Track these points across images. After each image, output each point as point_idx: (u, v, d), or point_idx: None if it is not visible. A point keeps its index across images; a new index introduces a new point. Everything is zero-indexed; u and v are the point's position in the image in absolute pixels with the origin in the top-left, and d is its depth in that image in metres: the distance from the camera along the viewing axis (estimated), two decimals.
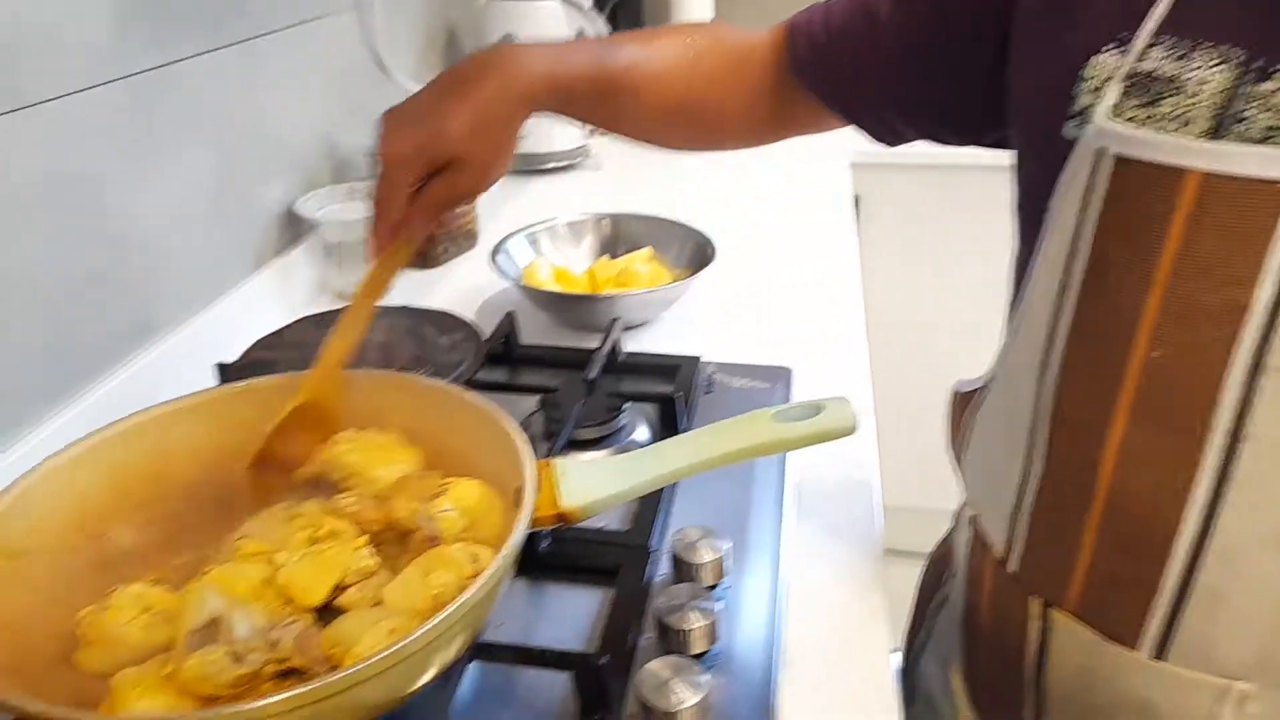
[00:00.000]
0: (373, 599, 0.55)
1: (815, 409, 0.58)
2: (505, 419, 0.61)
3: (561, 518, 0.55)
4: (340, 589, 0.56)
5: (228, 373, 0.85)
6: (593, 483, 0.57)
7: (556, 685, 0.59)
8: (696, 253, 1.09)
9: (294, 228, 1.12)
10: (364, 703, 0.46)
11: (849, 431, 0.57)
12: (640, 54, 0.73)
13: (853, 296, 1.14)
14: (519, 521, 0.52)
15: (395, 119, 0.64)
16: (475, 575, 0.50)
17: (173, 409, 0.63)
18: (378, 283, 0.67)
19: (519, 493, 0.58)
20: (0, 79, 0.70)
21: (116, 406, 0.80)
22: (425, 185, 0.64)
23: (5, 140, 0.71)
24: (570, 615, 0.66)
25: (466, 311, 1.01)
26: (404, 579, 0.54)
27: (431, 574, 0.53)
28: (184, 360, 0.89)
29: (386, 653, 0.43)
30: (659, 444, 0.59)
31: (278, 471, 0.65)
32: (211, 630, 0.51)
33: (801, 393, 0.93)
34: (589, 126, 0.75)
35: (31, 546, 0.55)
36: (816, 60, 0.73)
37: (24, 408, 0.74)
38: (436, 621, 0.45)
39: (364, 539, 0.57)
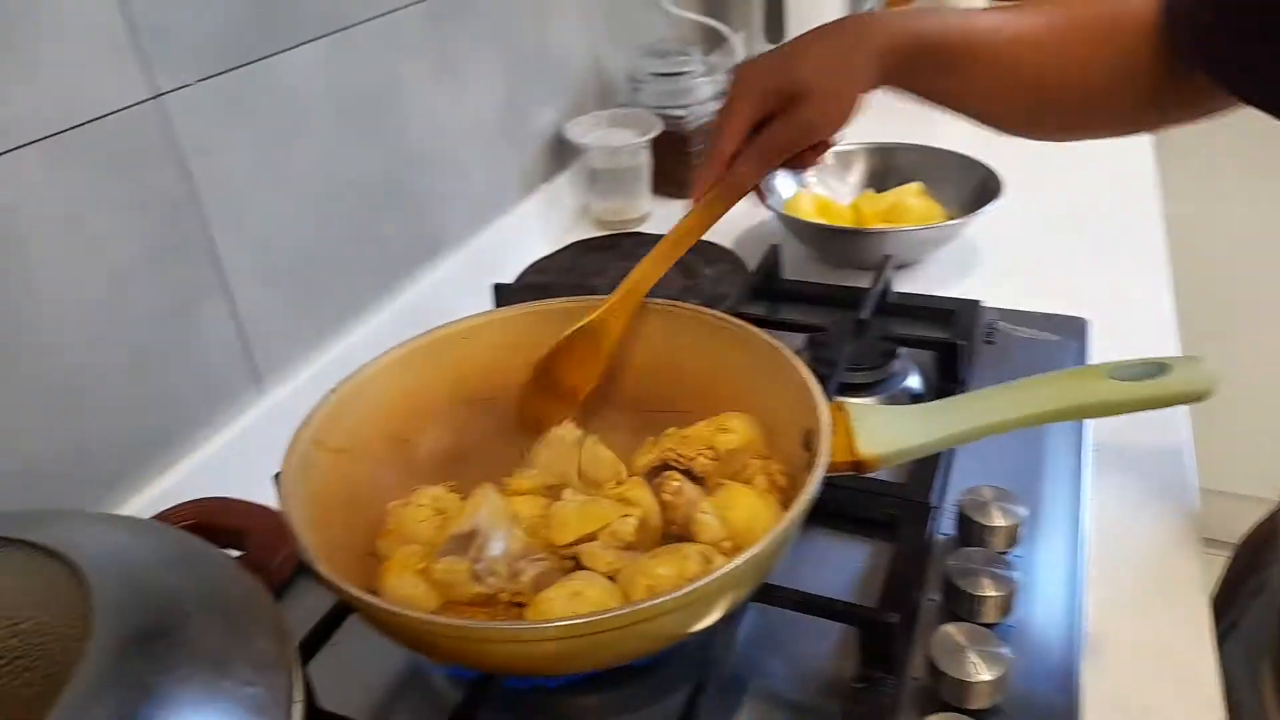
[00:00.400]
0: (608, 566, 0.54)
1: (1159, 367, 0.51)
2: (794, 357, 0.58)
3: (858, 466, 0.52)
4: (588, 539, 0.56)
5: (504, 293, 0.88)
6: (893, 431, 0.53)
7: (829, 637, 0.57)
8: (978, 188, 1.00)
9: (560, 154, 1.13)
10: (651, 634, 0.46)
11: (1204, 395, 0.50)
12: (999, 21, 0.64)
13: (1155, 243, 1.01)
14: (816, 467, 0.49)
15: (750, 62, 0.63)
16: (694, 580, 0.48)
17: (470, 325, 0.65)
18: (695, 223, 0.66)
19: (809, 435, 0.56)
20: (326, 5, 0.74)
21: (408, 320, 0.85)
22: (765, 126, 0.61)
23: (330, 59, 0.76)
24: (837, 565, 0.63)
25: (724, 242, 0.99)
26: (630, 563, 0.52)
27: (653, 562, 0.50)
28: (465, 279, 0.93)
29: (690, 588, 0.43)
30: (968, 394, 0.54)
31: (552, 392, 0.66)
32: (467, 541, 0.52)
33: (1099, 348, 0.83)
34: (934, 106, 0.68)
35: (349, 445, 0.59)
36: (1207, 38, 0.56)
37: (333, 318, 0.80)
38: (737, 564, 0.44)
39: (638, 512, 0.56)
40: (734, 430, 0.60)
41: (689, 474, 0.58)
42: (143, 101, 0.61)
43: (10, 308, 0.55)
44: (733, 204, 0.65)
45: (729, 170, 0.63)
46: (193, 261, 0.66)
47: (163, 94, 0.62)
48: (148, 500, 0.63)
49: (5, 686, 0.26)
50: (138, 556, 0.36)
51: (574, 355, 0.66)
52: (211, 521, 0.43)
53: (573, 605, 0.47)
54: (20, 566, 0.31)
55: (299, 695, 0.32)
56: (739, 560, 0.44)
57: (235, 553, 0.43)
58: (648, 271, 0.65)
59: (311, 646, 0.53)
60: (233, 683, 0.29)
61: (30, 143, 0.55)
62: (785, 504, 0.55)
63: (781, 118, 0.61)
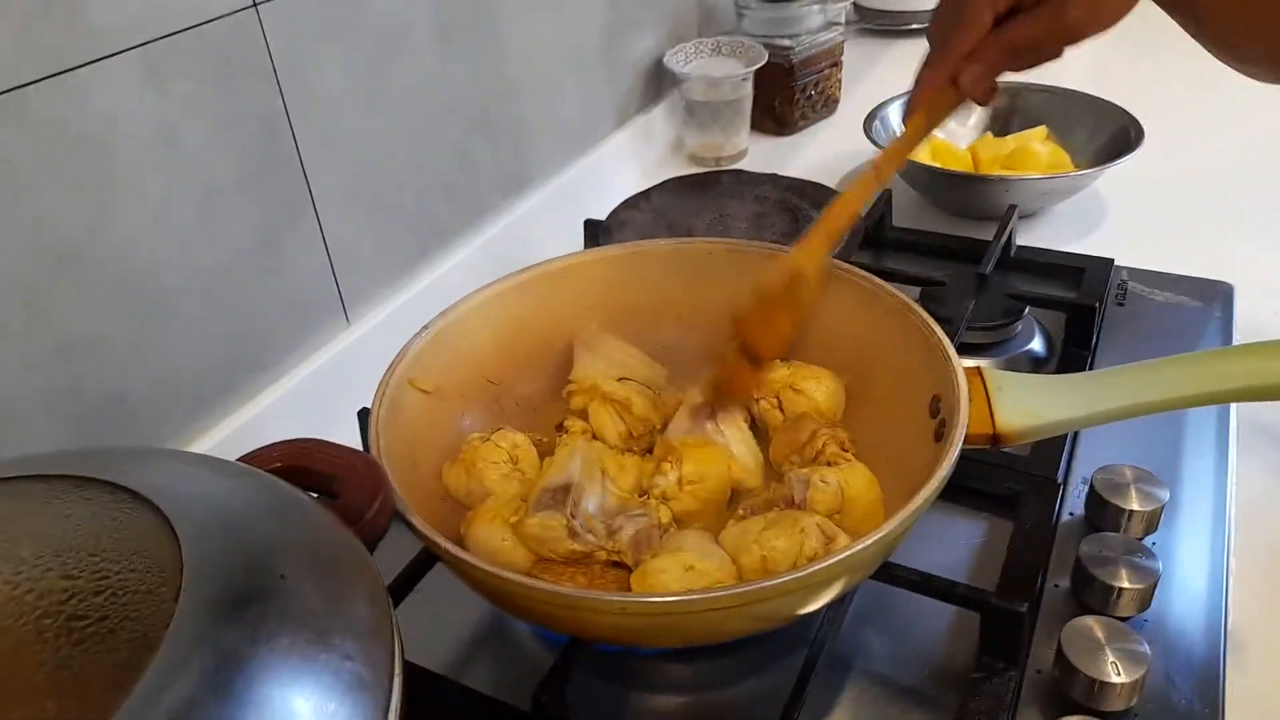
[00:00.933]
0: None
1: None
2: (925, 314, 0.53)
3: (995, 439, 0.47)
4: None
5: (597, 229, 0.84)
6: (1037, 402, 0.48)
7: (943, 618, 0.53)
8: (1115, 136, 0.92)
9: (656, 85, 1.08)
10: (763, 614, 0.42)
11: None
12: None
13: None
14: (952, 440, 0.45)
15: None
16: (812, 559, 0.44)
17: (567, 264, 0.61)
18: (914, 135, 0.56)
19: (937, 401, 0.51)
20: None
21: (496, 257, 0.82)
22: (1010, 19, 0.51)
23: None
24: (951, 541, 0.58)
25: (829, 183, 0.93)
26: (742, 527, 0.49)
27: (769, 532, 0.47)
28: (554, 214, 0.89)
29: (812, 568, 0.39)
30: (1127, 367, 0.49)
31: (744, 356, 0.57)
32: (562, 495, 0.49)
33: (1246, 315, 0.76)
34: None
35: (440, 385, 0.56)
36: None
37: (419, 249, 0.77)
38: (865, 545, 0.40)
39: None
40: (805, 392, 0.55)
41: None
42: (240, 10, 0.57)
43: (101, 219, 0.52)
44: (950, 114, 0.56)
45: (962, 69, 0.52)
46: (283, 183, 0.63)
47: (259, 3, 0.58)
48: (230, 432, 0.61)
49: (91, 651, 0.24)
50: (229, 505, 0.33)
51: (762, 313, 0.55)
52: (303, 465, 0.40)
53: (686, 580, 0.44)
54: (107, 512, 0.29)
55: (399, 668, 0.29)
56: (867, 541, 0.40)
57: (326, 499, 0.41)
58: (852, 201, 0.55)
59: (396, 595, 0.51)
60: (332, 655, 0.27)
61: (129, 49, 0.52)
62: None
63: (1034, 12, 0.50)
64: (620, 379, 0.58)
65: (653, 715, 0.51)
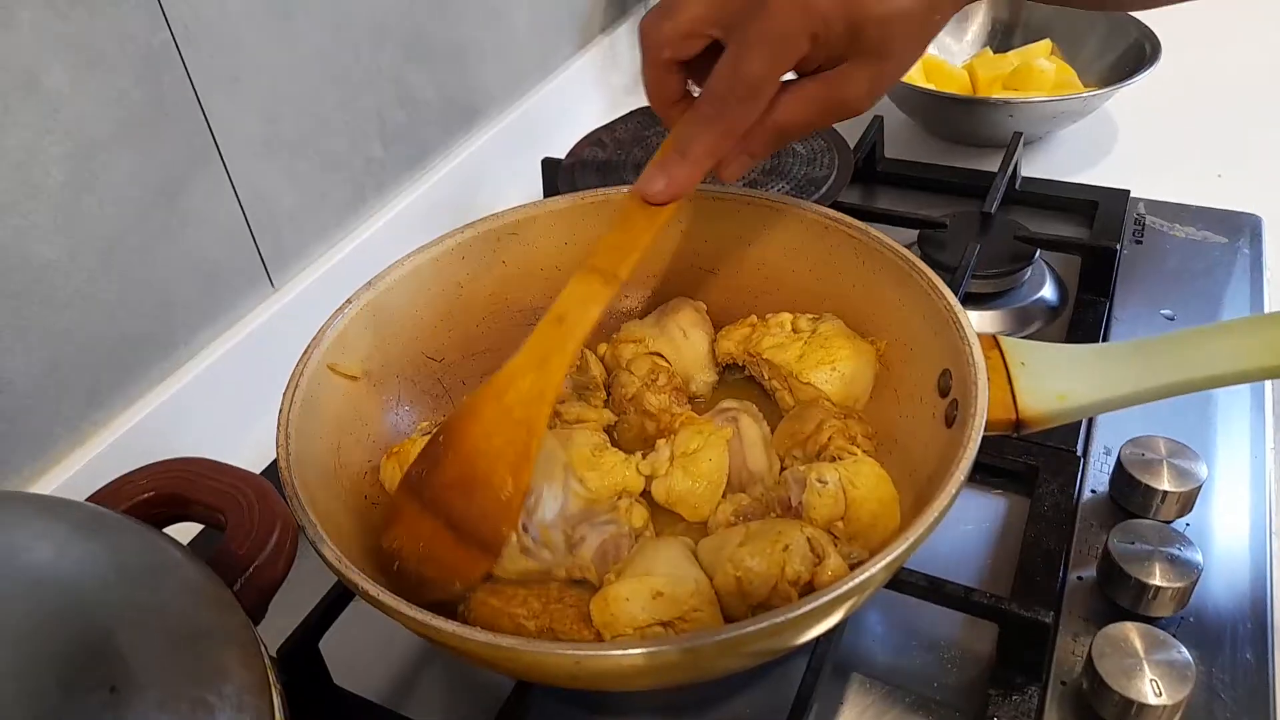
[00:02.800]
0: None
1: None
2: (930, 272, 0.45)
3: (1019, 426, 0.40)
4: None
5: (556, 170, 0.75)
6: (1068, 380, 0.40)
7: (956, 620, 0.46)
8: (1127, 51, 0.83)
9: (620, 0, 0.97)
10: (748, 652, 0.35)
11: None
12: None
13: None
14: (970, 429, 0.37)
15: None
16: (795, 583, 0.37)
17: (516, 219, 0.52)
18: (650, 233, 0.42)
19: (947, 377, 0.43)
20: None
21: (443, 204, 0.73)
22: (778, 99, 0.40)
23: None
24: (960, 524, 0.52)
25: None
26: (720, 538, 0.41)
27: (745, 549, 0.39)
28: (509, 151, 0.80)
29: (806, 608, 0.32)
30: (1169, 336, 0.41)
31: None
32: None
33: (1278, 252, 0.68)
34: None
35: (370, 369, 0.48)
36: None
37: (353, 199, 0.68)
38: (871, 573, 0.33)
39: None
40: (813, 384, 0.47)
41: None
42: None
43: None
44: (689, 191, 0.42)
45: (731, 156, 0.41)
46: (178, 129, 0.54)
47: None
48: (135, 424, 0.53)
49: None
50: (66, 570, 0.26)
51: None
52: (181, 493, 0.33)
53: (652, 609, 0.37)
54: None
55: None
56: (873, 569, 0.33)
57: (214, 532, 0.33)
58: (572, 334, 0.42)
59: (327, 617, 0.44)
60: None
61: None
62: None
63: (806, 90, 0.40)
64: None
65: None
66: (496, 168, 0.79)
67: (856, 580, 0.32)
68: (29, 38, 0.45)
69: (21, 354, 0.48)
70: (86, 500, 0.35)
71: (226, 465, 0.34)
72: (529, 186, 0.80)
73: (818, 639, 0.41)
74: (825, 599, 0.32)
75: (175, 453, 0.38)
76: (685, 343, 0.51)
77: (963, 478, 0.36)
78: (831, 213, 0.50)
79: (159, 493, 0.33)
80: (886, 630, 0.47)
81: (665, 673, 0.34)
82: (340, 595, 0.44)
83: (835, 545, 0.39)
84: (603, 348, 0.54)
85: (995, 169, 0.72)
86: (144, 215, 0.53)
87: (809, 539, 0.38)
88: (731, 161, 0.42)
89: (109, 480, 0.34)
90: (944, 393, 0.44)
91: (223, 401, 0.58)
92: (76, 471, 0.51)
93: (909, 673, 0.45)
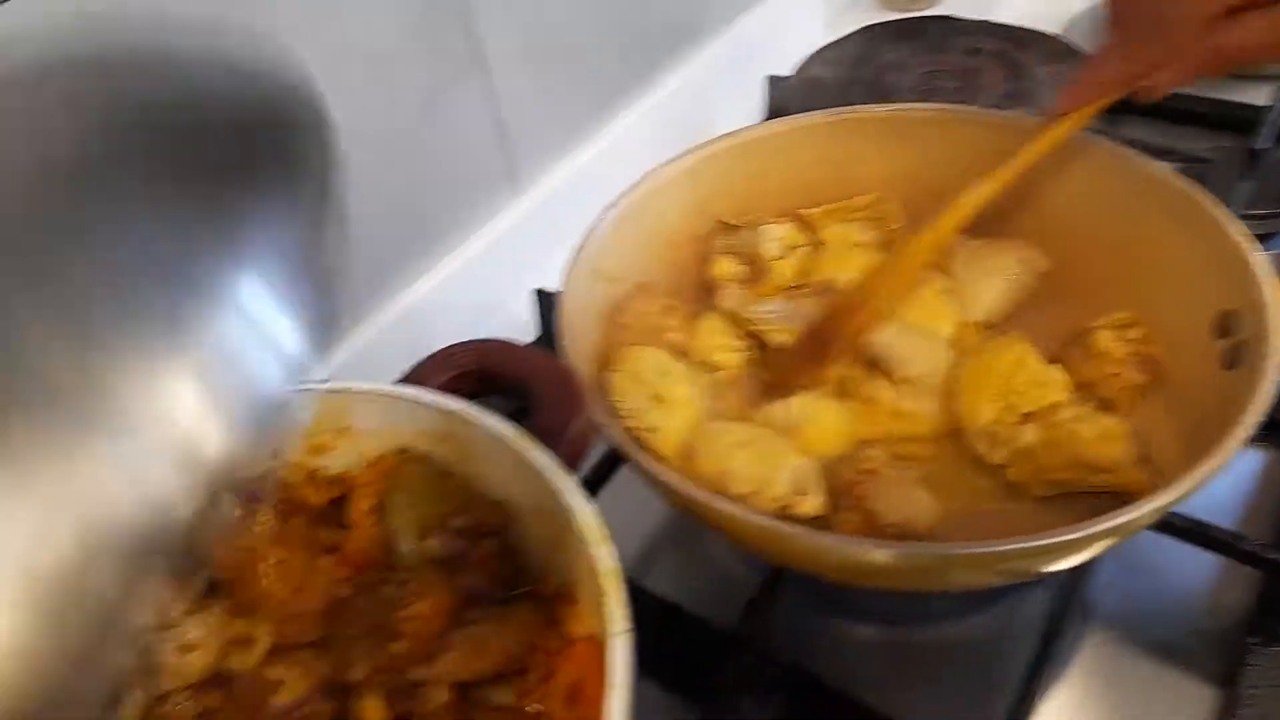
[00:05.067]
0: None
1: None
2: (1213, 200, 0.43)
3: None
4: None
5: (781, 88, 0.74)
6: None
7: (1208, 564, 0.45)
8: None
9: None
10: (1013, 570, 0.36)
11: None
12: None
13: None
14: (1261, 370, 0.36)
15: None
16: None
17: (764, 134, 0.53)
18: (1046, 144, 0.46)
19: (1228, 318, 0.42)
20: None
21: (667, 119, 0.74)
22: (1230, 22, 0.39)
23: None
24: None
25: (1050, 28, 0.79)
26: None
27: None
28: (730, 70, 0.80)
29: (1093, 529, 0.32)
30: None
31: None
32: None
33: None
34: None
35: (629, 274, 0.50)
36: None
37: (589, 109, 0.70)
38: (1160, 504, 0.33)
39: None
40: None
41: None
42: None
43: None
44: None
45: (1158, 73, 0.42)
46: (451, 40, 0.57)
47: None
48: (398, 314, 0.58)
49: None
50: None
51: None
52: (494, 369, 0.36)
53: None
54: None
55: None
56: (1165, 498, 0.32)
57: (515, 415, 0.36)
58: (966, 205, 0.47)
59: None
60: None
61: None
62: None
63: (1269, 13, 0.39)
64: None
65: (866, 648, 0.46)
66: (720, 86, 0.79)
67: (1150, 507, 0.32)
68: None
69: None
70: (404, 375, 0.39)
71: (531, 349, 0.37)
72: (749, 105, 0.80)
73: (1072, 569, 0.41)
74: (1100, 528, 0.32)
75: (431, 345, 0.41)
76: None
77: (1256, 419, 0.35)
78: (1089, 133, 0.48)
79: (480, 366, 0.36)
80: (1130, 566, 0.46)
81: (909, 576, 0.35)
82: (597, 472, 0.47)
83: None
84: None
85: (1261, 102, 0.67)
86: (420, 119, 0.56)
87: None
88: (1163, 76, 0.42)
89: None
90: (1224, 334, 0.42)
91: (472, 297, 0.62)
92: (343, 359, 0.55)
93: (1155, 613, 0.44)
